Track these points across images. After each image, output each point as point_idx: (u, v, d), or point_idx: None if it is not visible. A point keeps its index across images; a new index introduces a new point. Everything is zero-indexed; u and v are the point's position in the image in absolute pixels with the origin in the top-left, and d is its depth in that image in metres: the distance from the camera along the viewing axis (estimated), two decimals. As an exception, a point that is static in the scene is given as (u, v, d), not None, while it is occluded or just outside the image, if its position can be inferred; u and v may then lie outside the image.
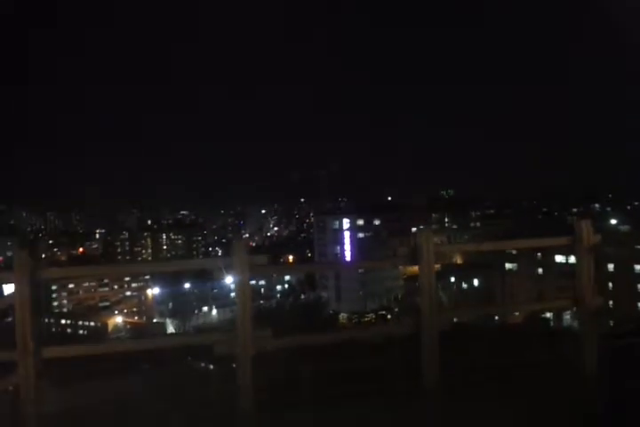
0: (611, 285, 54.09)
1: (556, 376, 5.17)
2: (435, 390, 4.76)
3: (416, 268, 5.07)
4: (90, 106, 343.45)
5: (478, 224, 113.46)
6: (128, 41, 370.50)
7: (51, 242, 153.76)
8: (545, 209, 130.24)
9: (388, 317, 76.00)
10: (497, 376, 5.26)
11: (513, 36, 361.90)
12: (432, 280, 4.99)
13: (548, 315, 67.25)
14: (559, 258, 69.20)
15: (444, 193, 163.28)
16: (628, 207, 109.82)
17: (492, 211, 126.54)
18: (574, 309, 5.37)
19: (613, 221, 79.09)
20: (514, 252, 74.65)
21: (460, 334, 5.51)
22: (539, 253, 70.50)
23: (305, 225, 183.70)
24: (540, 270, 72.23)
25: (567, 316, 66.77)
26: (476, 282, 71.30)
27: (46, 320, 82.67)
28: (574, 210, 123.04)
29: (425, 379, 4.81)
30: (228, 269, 4.89)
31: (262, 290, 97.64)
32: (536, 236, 69.53)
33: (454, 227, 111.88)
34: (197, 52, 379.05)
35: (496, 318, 72.51)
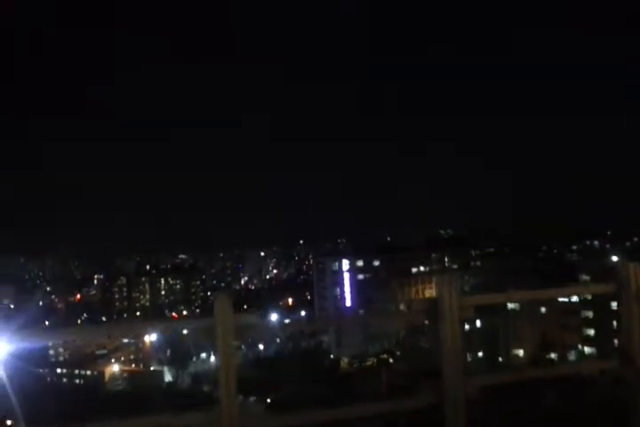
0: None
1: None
2: None
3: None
4: (84, 148, 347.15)
5: (478, 263, 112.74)
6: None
7: (48, 289, 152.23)
8: (544, 247, 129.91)
9: (390, 360, 74.43)
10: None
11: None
12: (457, 340, 4.22)
13: (553, 355, 66.14)
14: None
15: (444, 233, 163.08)
16: (628, 244, 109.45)
17: (491, 249, 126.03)
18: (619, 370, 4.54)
19: (614, 259, 78.51)
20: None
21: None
22: (541, 292, 69.70)
23: (304, 267, 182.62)
24: (543, 309, 71.26)
25: (572, 357, 65.67)
26: (478, 323, 70.14)
27: (41, 370, 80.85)
28: (574, 247, 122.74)
29: None
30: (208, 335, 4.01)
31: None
32: (541, 275, 68.73)
33: (454, 267, 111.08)
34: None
35: (500, 359, 70.48)
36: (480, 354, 68.80)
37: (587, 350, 65.46)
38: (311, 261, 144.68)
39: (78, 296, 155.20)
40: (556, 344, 66.27)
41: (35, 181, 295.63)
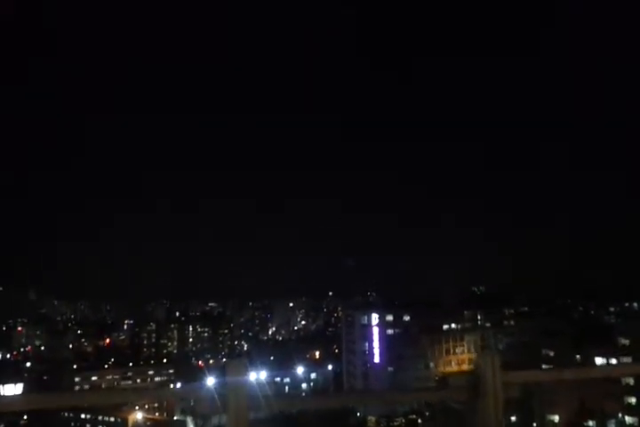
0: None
1: None
2: None
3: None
4: (121, 196, 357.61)
5: (512, 322, 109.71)
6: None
7: (79, 332, 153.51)
8: (581, 308, 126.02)
9: (419, 421, 71.99)
10: None
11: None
12: (501, 423, 3.82)
13: (591, 424, 62.94)
14: (600, 360, 65.69)
15: (476, 289, 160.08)
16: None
17: (525, 308, 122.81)
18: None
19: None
20: (551, 353, 71.48)
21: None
22: (577, 356, 67.28)
23: (333, 319, 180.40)
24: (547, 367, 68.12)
25: (612, 425, 62.37)
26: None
27: (66, 414, 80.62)
28: (612, 309, 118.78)
29: None
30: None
31: (287, 388, 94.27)
32: (577, 337, 66.23)
33: (487, 325, 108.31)
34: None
35: (534, 424, 67.18)
36: (513, 418, 65.98)
37: (628, 419, 62.18)
38: (340, 314, 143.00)
39: (107, 340, 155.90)
40: (594, 412, 63.19)
41: (76, 232, 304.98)
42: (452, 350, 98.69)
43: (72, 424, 77.64)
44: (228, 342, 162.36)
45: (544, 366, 68.50)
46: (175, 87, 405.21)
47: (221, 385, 3.68)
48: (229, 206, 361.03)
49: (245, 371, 3.68)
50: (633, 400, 62.36)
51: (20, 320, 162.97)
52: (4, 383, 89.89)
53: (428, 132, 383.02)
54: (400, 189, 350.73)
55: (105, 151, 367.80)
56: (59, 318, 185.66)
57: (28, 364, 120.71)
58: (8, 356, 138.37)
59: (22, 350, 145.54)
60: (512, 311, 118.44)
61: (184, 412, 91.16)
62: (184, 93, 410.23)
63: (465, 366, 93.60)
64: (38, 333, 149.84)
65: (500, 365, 3.82)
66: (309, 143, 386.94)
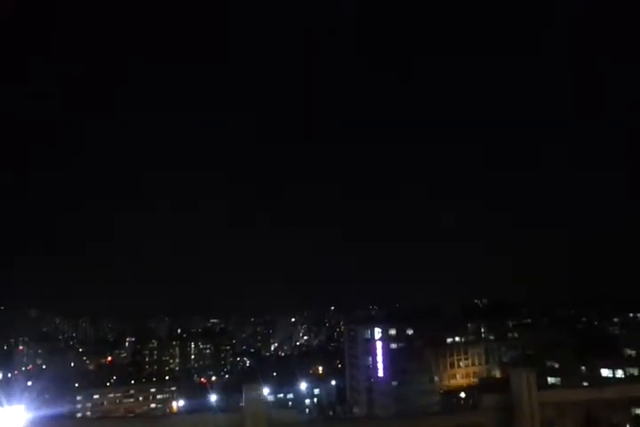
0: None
1: None
2: None
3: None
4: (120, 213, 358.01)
5: (516, 335, 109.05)
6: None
7: (81, 350, 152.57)
8: (584, 318, 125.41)
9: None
10: None
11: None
12: None
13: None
14: (606, 372, 65.18)
15: (479, 302, 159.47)
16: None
17: (529, 320, 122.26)
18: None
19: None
20: (556, 365, 71.03)
21: None
22: (583, 367, 66.82)
23: (335, 334, 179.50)
24: (586, 384, 67.80)
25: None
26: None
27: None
28: (615, 320, 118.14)
29: None
30: None
31: (290, 404, 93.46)
32: (581, 348, 65.58)
33: (491, 338, 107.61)
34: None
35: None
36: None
37: (636, 430, 61.56)
38: (342, 329, 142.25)
39: (109, 358, 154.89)
40: (601, 423, 62.43)
41: (72, 247, 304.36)
42: (456, 364, 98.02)
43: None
44: (230, 359, 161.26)
45: (550, 379, 68.07)
46: (175, 87, 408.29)
47: (237, 412, 3.36)
48: (230, 209, 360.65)
49: (262, 397, 3.42)
50: (640, 412, 61.64)
51: (21, 339, 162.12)
52: (4, 404, 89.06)
53: (428, 132, 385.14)
54: (400, 189, 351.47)
55: (105, 151, 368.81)
56: (60, 337, 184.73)
57: (30, 383, 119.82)
58: (9, 375, 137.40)
59: (24, 369, 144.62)
60: (515, 323, 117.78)
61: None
62: (184, 93, 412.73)
63: (470, 380, 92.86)
64: (40, 351, 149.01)
65: (535, 383, 3.39)
66: (309, 143, 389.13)
